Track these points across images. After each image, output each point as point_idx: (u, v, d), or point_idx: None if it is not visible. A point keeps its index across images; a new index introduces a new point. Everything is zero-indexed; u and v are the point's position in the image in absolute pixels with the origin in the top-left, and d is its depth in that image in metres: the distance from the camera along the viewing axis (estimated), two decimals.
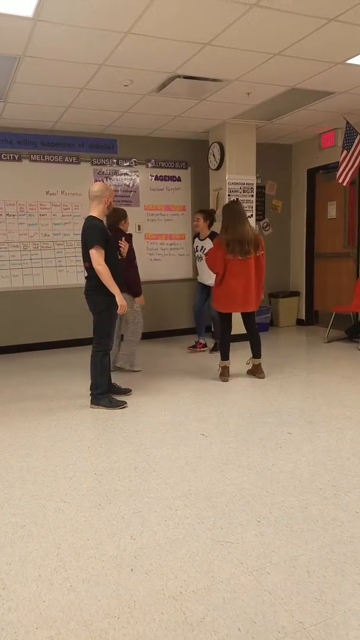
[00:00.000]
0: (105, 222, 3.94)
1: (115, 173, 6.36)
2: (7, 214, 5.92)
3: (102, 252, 3.71)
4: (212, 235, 5.54)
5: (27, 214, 6.02)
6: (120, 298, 3.75)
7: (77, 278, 6.30)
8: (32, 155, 5.93)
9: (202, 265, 5.50)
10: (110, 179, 6.32)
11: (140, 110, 5.26)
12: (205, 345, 5.90)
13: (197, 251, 5.74)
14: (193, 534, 2.16)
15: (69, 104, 4.97)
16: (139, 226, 6.45)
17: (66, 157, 6.09)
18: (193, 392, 4.27)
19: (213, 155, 6.15)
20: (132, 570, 1.94)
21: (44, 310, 6.17)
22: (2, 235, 5.91)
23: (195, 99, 4.95)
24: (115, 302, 3.76)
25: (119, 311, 3.78)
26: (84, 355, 5.75)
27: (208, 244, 5.44)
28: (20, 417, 3.74)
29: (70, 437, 3.34)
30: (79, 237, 6.19)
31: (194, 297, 5.95)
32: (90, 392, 3.97)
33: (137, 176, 6.47)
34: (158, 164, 6.54)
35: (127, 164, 6.40)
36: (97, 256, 3.69)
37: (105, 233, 3.81)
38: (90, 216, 3.83)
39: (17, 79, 4.26)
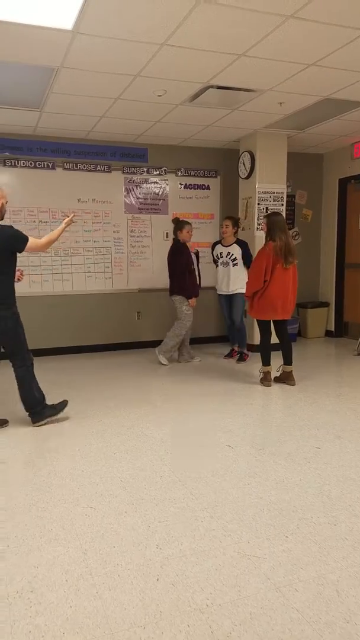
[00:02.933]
0: None
1: (146, 181, 6.42)
2: (40, 221, 6.03)
3: (30, 241, 3.52)
4: (241, 243, 5.53)
5: (58, 221, 6.11)
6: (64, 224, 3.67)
7: (105, 284, 6.38)
8: (65, 164, 6.04)
9: (228, 272, 5.52)
10: (140, 187, 6.39)
11: (172, 120, 5.31)
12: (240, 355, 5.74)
13: (220, 257, 5.64)
14: (219, 546, 2.15)
15: (103, 113, 5.05)
16: (166, 234, 6.49)
17: (98, 166, 6.18)
18: (219, 401, 4.26)
19: (243, 164, 6.15)
20: (157, 579, 1.94)
21: (72, 315, 6.25)
22: None
23: (227, 108, 4.97)
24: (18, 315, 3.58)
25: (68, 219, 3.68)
26: (112, 361, 5.82)
27: (235, 250, 5.49)
28: (49, 422, 3.78)
29: (96, 442, 3.36)
30: (108, 244, 6.38)
31: (222, 311, 5.90)
32: (28, 412, 3.67)
33: (167, 184, 6.52)
34: (188, 173, 6.58)
35: (157, 172, 6.45)
36: (34, 244, 3.53)
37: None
38: None
39: (54, 90, 4.35)
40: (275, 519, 2.36)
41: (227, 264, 5.55)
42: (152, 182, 6.45)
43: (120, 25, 3.19)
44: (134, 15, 3.06)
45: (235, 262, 5.49)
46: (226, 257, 5.56)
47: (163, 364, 5.51)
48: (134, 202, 6.40)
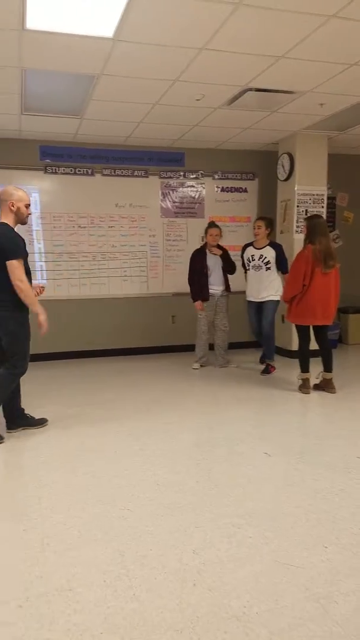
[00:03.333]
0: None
1: (182, 185, 6.45)
2: (79, 226, 6.15)
3: (22, 265, 3.27)
4: (275, 246, 5.26)
5: (96, 225, 6.23)
6: (43, 315, 3.31)
7: (140, 288, 6.43)
8: (104, 170, 6.14)
9: (260, 277, 5.19)
10: (176, 191, 6.42)
11: (210, 124, 5.31)
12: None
13: (252, 260, 5.26)
14: (256, 554, 2.12)
15: (141, 119, 5.11)
16: (202, 238, 6.47)
17: (135, 171, 6.25)
18: (256, 408, 4.21)
19: (282, 166, 6.09)
20: (194, 585, 1.93)
21: (108, 317, 6.32)
22: (74, 246, 6.14)
23: (266, 110, 4.94)
24: (27, 321, 3.41)
25: (42, 330, 3.34)
26: (147, 364, 5.86)
27: (269, 253, 5.17)
28: (86, 423, 3.84)
29: (132, 445, 3.38)
30: (144, 248, 6.43)
31: (250, 319, 5.48)
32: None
33: (203, 188, 6.52)
34: (225, 176, 6.57)
35: (194, 176, 6.47)
36: (18, 270, 3.22)
37: (24, 243, 3.34)
38: (4, 224, 3.31)
39: (94, 97, 4.43)
40: (314, 529, 2.31)
41: (259, 267, 5.20)
42: (188, 186, 6.47)
43: (159, 31, 3.22)
44: (173, 21, 3.09)
45: (268, 266, 5.16)
46: (258, 260, 5.20)
47: (194, 368, 5.54)
48: (170, 206, 6.43)
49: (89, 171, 6.09)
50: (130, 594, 1.88)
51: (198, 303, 5.39)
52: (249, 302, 5.36)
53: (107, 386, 4.93)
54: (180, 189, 6.45)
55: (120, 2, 2.86)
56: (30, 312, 3.38)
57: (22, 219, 3.38)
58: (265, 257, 5.17)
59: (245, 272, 5.41)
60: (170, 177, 6.38)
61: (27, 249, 3.45)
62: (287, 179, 6.02)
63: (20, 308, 3.32)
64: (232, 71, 3.90)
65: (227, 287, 5.48)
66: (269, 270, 5.16)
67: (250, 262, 5.29)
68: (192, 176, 6.47)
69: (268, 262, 5.17)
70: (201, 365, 5.61)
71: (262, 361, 5.58)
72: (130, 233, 6.36)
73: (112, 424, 3.81)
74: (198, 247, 5.65)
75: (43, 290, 3.71)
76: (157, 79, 4.05)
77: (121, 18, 3.03)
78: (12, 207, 3.29)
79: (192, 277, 5.45)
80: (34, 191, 5.93)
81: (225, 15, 3.01)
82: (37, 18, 3.05)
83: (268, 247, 5.20)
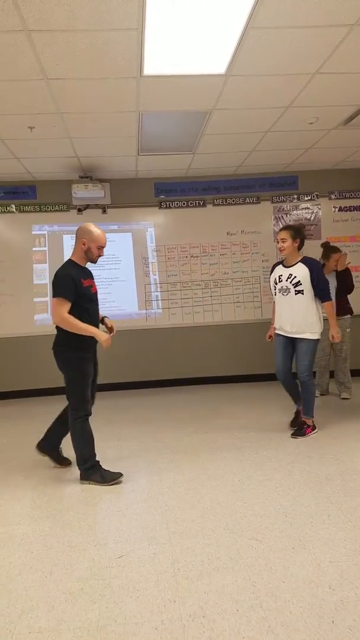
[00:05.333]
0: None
1: (296, 208, 6.38)
2: (192, 256, 6.34)
3: (67, 305, 3.14)
4: (309, 262, 3.94)
5: (208, 254, 6.38)
6: (99, 336, 3.18)
7: (254, 314, 6.39)
8: (215, 200, 6.30)
9: (290, 302, 3.94)
10: (290, 214, 6.37)
11: (325, 145, 5.23)
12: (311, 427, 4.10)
13: (280, 282, 4.01)
14: None
15: (253, 147, 5.19)
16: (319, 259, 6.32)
17: (247, 199, 6.33)
18: None
19: None
20: (333, 622, 1.83)
21: (221, 344, 6.36)
22: (187, 275, 6.33)
23: None
24: (88, 360, 3.30)
25: (103, 345, 3.20)
26: (267, 390, 5.74)
27: (300, 272, 3.89)
28: (207, 450, 3.86)
29: (255, 474, 3.32)
30: (257, 273, 6.43)
31: (277, 355, 4.13)
32: (78, 467, 3.37)
33: (319, 209, 6.39)
34: (342, 195, 6.38)
35: (308, 198, 6.38)
36: (58, 307, 3.14)
37: (76, 286, 3.18)
38: (68, 260, 3.35)
39: (206, 132, 4.61)
40: None
41: (287, 290, 3.98)
42: (302, 208, 6.39)
43: (270, 62, 3.28)
44: (284, 50, 3.13)
45: (298, 288, 3.90)
46: (286, 280, 3.98)
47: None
48: None
49: (201, 203, 6.29)
50: (266, 626, 1.83)
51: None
52: (279, 334, 4.12)
53: (226, 412, 4.93)
54: (294, 212, 6.39)
55: (232, 39, 2.98)
56: (97, 349, 3.33)
57: (91, 259, 3.34)
58: (295, 277, 3.93)
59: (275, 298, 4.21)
60: (283, 202, 6.36)
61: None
62: None
63: (75, 347, 3.22)
64: (347, 91, 3.83)
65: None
66: (299, 295, 3.91)
67: (276, 284, 4.08)
68: (306, 198, 6.38)
69: (298, 283, 3.90)
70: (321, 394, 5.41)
71: (295, 418, 4.27)
72: (243, 259, 6.40)
73: (233, 452, 3.78)
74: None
75: (111, 332, 3.43)
76: (269, 108, 4.10)
77: (233, 54, 3.15)
78: (83, 246, 3.27)
79: None
80: (149, 226, 6.27)
81: (340, 37, 3.00)
82: (154, 64, 3.27)
83: (300, 265, 3.95)
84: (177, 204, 6.29)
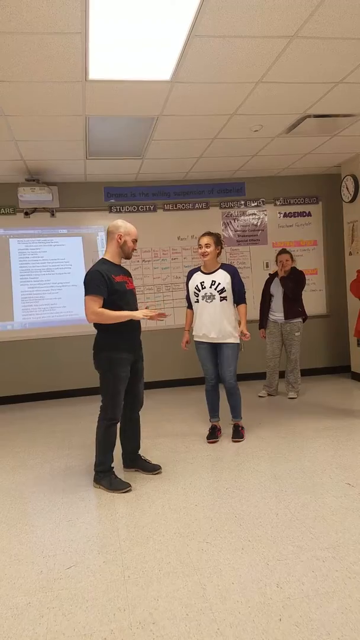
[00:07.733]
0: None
1: (243, 214, 6.50)
2: (143, 260, 6.34)
3: (99, 300, 3.13)
4: (229, 269, 4.02)
5: (160, 259, 6.40)
6: (135, 314, 3.18)
7: None
8: (165, 205, 6.33)
9: (217, 310, 3.92)
10: (237, 220, 6.49)
11: (270, 152, 5.37)
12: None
13: (202, 288, 3.98)
14: (344, 589, 2.02)
15: (200, 154, 5.26)
16: (266, 264, 6.47)
17: (196, 204, 6.39)
18: (332, 436, 4.05)
19: (346, 188, 6.00)
20: (280, 620, 1.86)
21: (172, 349, 6.37)
22: (139, 279, 6.31)
23: (326, 135, 4.93)
24: (123, 362, 3.23)
25: (143, 316, 3.18)
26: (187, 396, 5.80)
27: (222, 278, 3.95)
28: (159, 454, 3.85)
29: (207, 476, 3.35)
30: None
31: (205, 364, 4.14)
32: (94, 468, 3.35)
33: (265, 215, 6.55)
34: (287, 201, 6.56)
35: (255, 204, 6.51)
36: (89, 303, 3.14)
37: (107, 281, 3.15)
38: (100, 259, 3.36)
39: (154, 137, 4.63)
40: None
41: (211, 297, 3.96)
42: (250, 214, 6.52)
43: (215, 70, 3.33)
44: (227, 59, 3.19)
45: (223, 295, 3.93)
46: (210, 287, 3.97)
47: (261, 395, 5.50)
48: (232, 234, 6.49)
49: (151, 207, 6.30)
50: (215, 629, 1.84)
51: (261, 331, 5.34)
52: (199, 343, 4.10)
53: (180, 417, 4.94)
54: (242, 217, 6.51)
55: (176, 46, 3.01)
56: (134, 350, 3.31)
57: (127, 253, 3.34)
58: (220, 284, 3.96)
59: (189, 306, 4.20)
60: (231, 207, 6.47)
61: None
62: (352, 200, 5.92)
63: (109, 347, 3.20)
64: (290, 100, 3.95)
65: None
66: (224, 301, 3.94)
67: (199, 291, 4.03)
68: (253, 204, 6.52)
69: (223, 290, 3.94)
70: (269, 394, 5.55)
71: (215, 435, 4.12)
72: (194, 264, 6.44)
73: (185, 455, 3.80)
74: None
75: (163, 315, 3.32)
76: (215, 115, 4.17)
77: (178, 61, 3.18)
78: (119, 240, 3.27)
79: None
80: (100, 230, 6.21)
81: (280, 48, 3.09)
82: (99, 69, 3.25)
83: (221, 271, 4.01)
84: (127, 208, 6.28)
